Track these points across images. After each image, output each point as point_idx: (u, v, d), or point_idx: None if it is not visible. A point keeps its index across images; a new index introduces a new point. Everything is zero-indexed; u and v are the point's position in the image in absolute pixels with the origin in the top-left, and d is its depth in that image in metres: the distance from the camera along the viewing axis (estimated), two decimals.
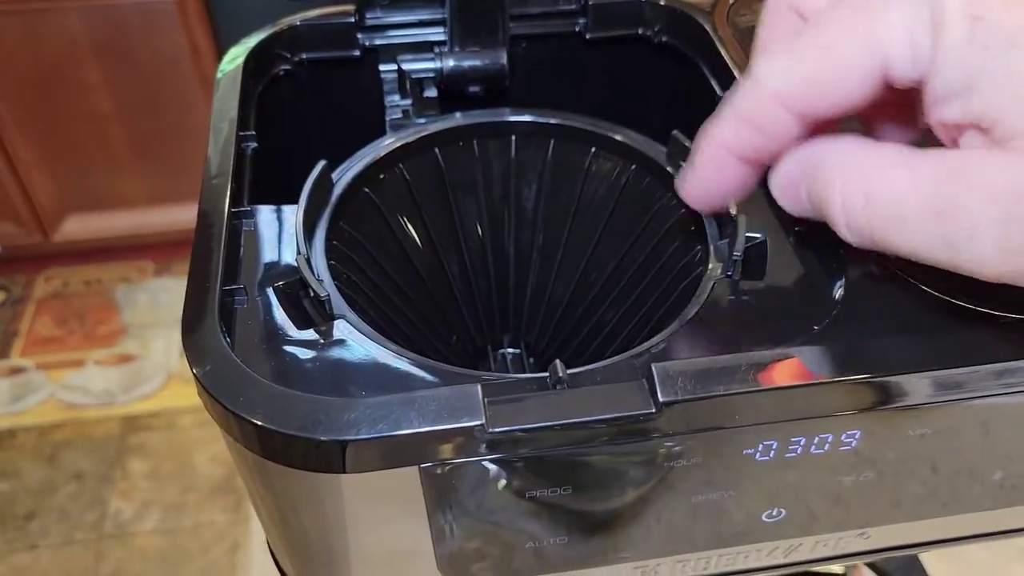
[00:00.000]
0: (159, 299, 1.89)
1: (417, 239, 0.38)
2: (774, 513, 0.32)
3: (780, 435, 0.28)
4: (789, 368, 0.26)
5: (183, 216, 1.86)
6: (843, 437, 0.28)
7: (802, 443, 0.28)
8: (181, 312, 0.30)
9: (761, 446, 0.28)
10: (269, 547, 0.35)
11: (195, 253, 0.30)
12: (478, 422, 0.25)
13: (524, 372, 0.44)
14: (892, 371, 0.27)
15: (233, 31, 1.58)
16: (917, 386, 0.27)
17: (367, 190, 0.36)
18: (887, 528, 0.33)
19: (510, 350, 0.43)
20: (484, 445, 0.26)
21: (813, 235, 0.32)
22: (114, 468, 1.60)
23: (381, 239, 0.37)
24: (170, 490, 1.58)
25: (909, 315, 0.28)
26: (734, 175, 0.28)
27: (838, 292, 0.30)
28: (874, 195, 0.24)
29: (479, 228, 0.40)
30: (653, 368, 0.26)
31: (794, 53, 0.25)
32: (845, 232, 0.26)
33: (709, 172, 0.28)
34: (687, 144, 0.35)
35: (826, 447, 0.29)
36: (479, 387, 0.26)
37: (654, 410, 0.26)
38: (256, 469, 0.27)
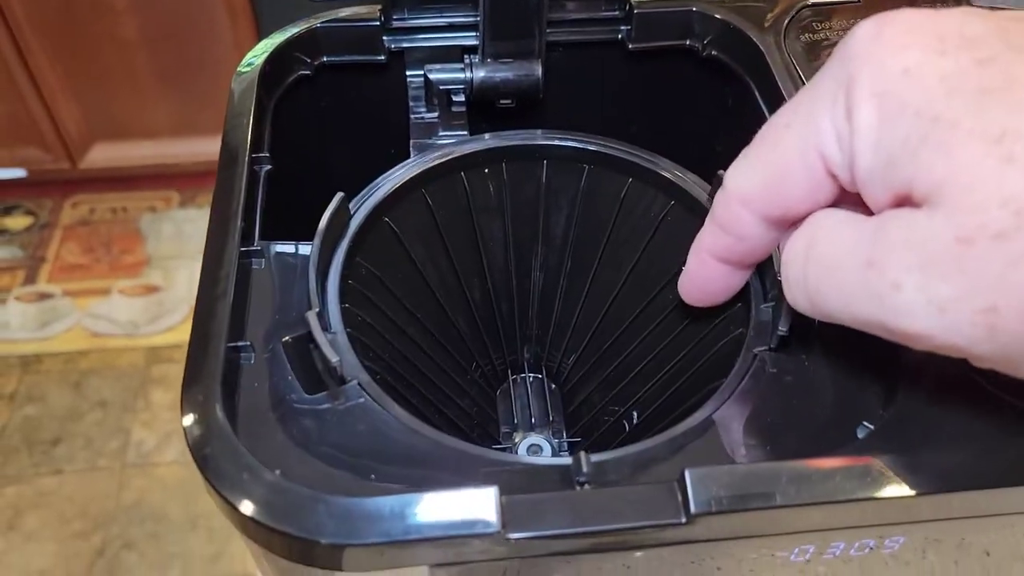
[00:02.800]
0: (183, 230, 1.88)
1: (438, 266, 0.36)
2: None
3: (819, 541, 0.26)
4: (834, 480, 0.24)
5: (208, 147, 1.84)
6: (887, 542, 0.27)
7: (841, 547, 0.26)
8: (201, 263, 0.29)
9: (797, 550, 0.26)
10: None
11: (200, 301, 0.28)
12: (494, 530, 0.23)
13: (545, 398, 0.42)
14: (948, 487, 0.24)
15: None
16: (973, 504, 0.25)
17: (387, 219, 0.34)
18: None
19: (531, 375, 0.41)
20: (499, 549, 0.24)
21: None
22: (137, 398, 1.63)
23: (399, 268, 0.35)
24: None
25: (972, 420, 0.26)
26: (720, 276, 0.29)
27: (892, 383, 0.27)
28: (816, 244, 0.25)
29: (504, 254, 0.38)
30: (687, 475, 0.24)
31: (749, 156, 0.26)
32: (785, 288, 0.26)
33: (699, 275, 0.30)
34: None
35: (867, 551, 0.27)
36: (495, 491, 0.24)
37: (684, 520, 0.24)
38: (259, 552, 0.26)
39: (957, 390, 0.27)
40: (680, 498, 0.24)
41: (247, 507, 0.24)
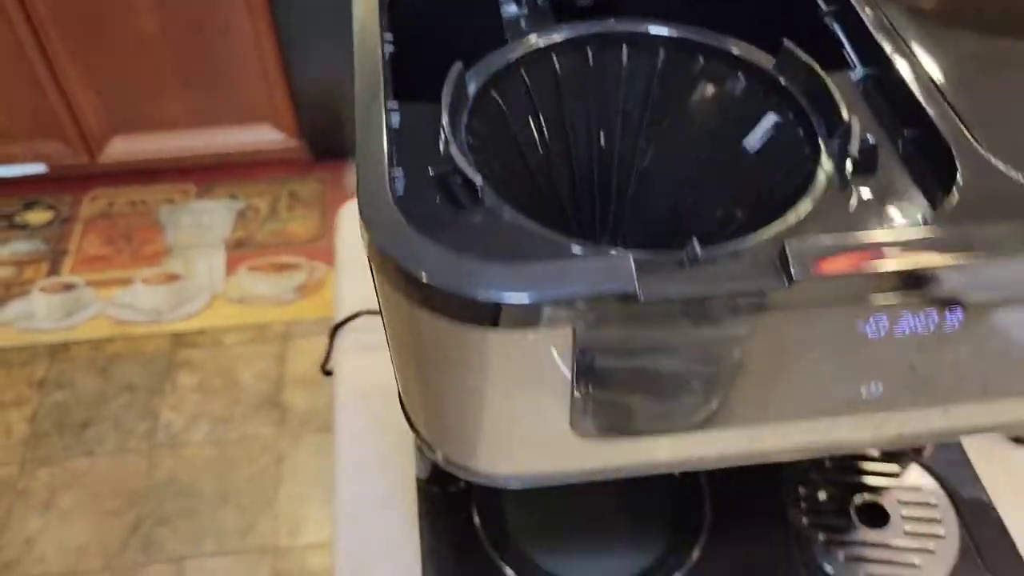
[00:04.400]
0: (201, 220, 1.92)
1: (533, 140, 0.41)
2: (873, 390, 0.35)
3: (892, 313, 0.31)
4: (913, 250, 0.30)
5: (225, 140, 1.88)
6: (947, 317, 0.32)
7: (910, 321, 0.32)
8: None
9: (873, 321, 0.31)
10: (401, 402, 0.39)
11: (361, 140, 0.33)
12: (631, 289, 0.28)
13: None
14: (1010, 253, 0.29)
15: None
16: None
17: (494, 94, 0.39)
18: (971, 407, 0.37)
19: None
20: (633, 312, 0.29)
21: (920, 141, 0.35)
22: (164, 382, 1.67)
23: (503, 139, 0.40)
24: (217, 404, 1.65)
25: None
26: None
27: (948, 192, 0.33)
28: None
29: (588, 131, 0.43)
30: (786, 244, 0.29)
31: None
32: None
33: None
34: (799, 55, 0.38)
35: (931, 327, 0.32)
36: (631, 258, 0.29)
37: (787, 285, 0.29)
38: (416, 324, 0.31)
39: (1006, 188, 0.32)
40: (781, 264, 0.29)
41: (427, 277, 0.28)
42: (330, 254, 1.89)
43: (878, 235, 0.30)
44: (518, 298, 0.28)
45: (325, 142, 1.97)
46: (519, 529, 0.57)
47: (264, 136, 1.90)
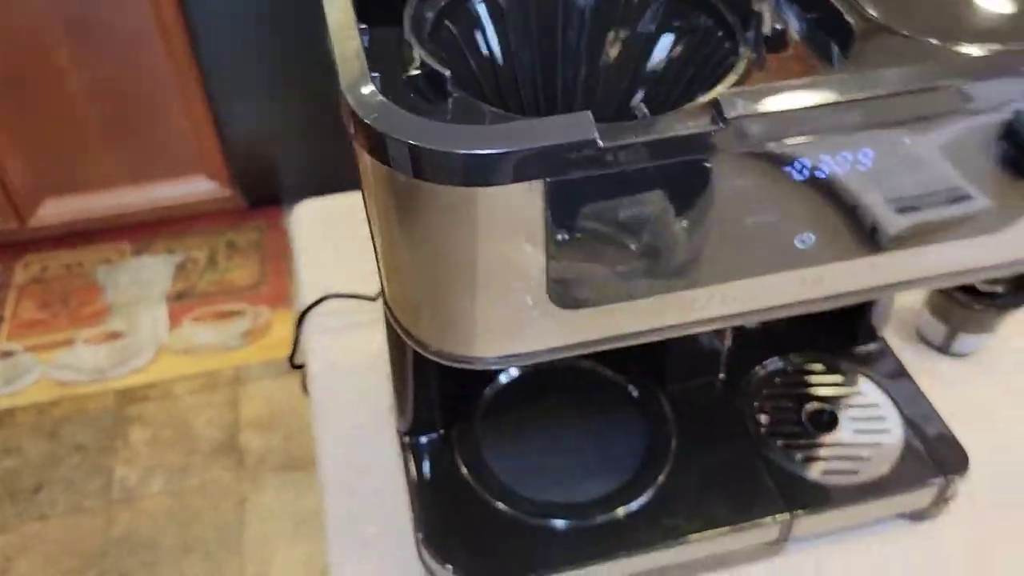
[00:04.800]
0: (140, 277, 1.91)
1: (484, 60, 0.46)
2: (805, 239, 0.40)
3: (811, 154, 0.36)
4: (822, 88, 0.35)
5: (159, 194, 1.89)
6: (859, 156, 0.37)
7: (828, 161, 0.37)
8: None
9: (798, 164, 0.36)
10: (388, 308, 0.42)
11: (339, 55, 0.37)
12: (593, 136, 0.33)
13: None
14: (904, 90, 0.35)
15: (201, 4, 1.62)
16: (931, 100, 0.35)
17: (447, 22, 0.44)
18: (894, 257, 0.42)
19: None
20: (595, 158, 0.33)
21: (824, 22, 0.41)
22: (115, 438, 1.64)
23: (458, 60, 0.44)
24: (172, 454, 1.62)
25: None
26: None
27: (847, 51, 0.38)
28: None
29: (531, 58, 0.47)
30: (719, 96, 0.34)
31: None
32: None
33: None
34: None
35: (846, 166, 0.37)
36: (590, 114, 0.33)
37: (723, 126, 0.34)
38: (405, 198, 0.34)
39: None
40: (717, 111, 0.34)
41: (411, 139, 0.32)
42: (274, 298, 1.90)
43: (793, 83, 0.35)
44: (497, 151, 0.32)
45: (259, 190, 1.99)
46: (499, 465, 0.60)
47: (197, 188, 1.91)
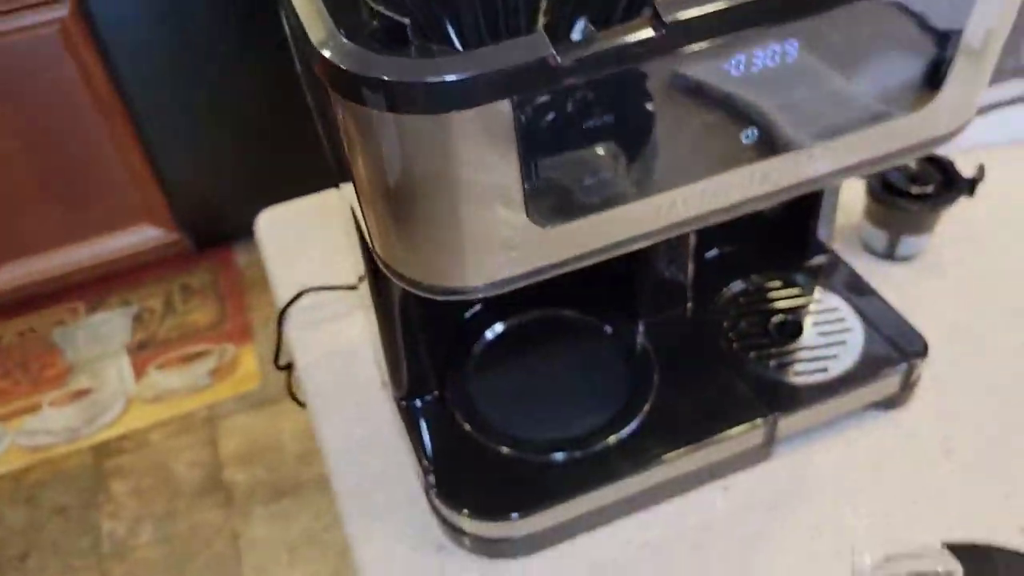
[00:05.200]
0: (99, 333, 1.90)
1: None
2: (749, 134, 0.44)
3: (744, 50, 0.40)
4: None
5: (106, 248, 1.87)
6: (786, 47, 0.41)
7: (760, 56, 0.41)
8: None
9: (734, 60, 0.40)
10: (375, 253, 0.45)
11: (304, 16, 0.40)
12: (549, 53, 0.36)
13: None
14: None
15: (122, 49, 1.62)
16: None
17: None
18: (827, 147, 0.46)
19: None
20: (555, 74, 0.37)
21: None
22: (96, 494, 1.62)
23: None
24: (157, 501, 1.61)
25: None
26: None
27: None
28: None
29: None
30: (656, 4, 0.38)
31: None
32: None
33: None
34: None
35: (776, 59, 0.41)
36: (543, 33, 0.37)
37: (664, 32, 0.38)
38: (383, 134, 0.37)
39: None
40: (655, 15, 0.38)
41: (385, 75, 0.36)
42: (237, 333, 1.90)
43: None
44: (466, 75, 0.35)
45: (206, 230, 1.99)
46: (495, 413, 0.63)
47: (144, 236, 1.91)
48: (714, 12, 0.38)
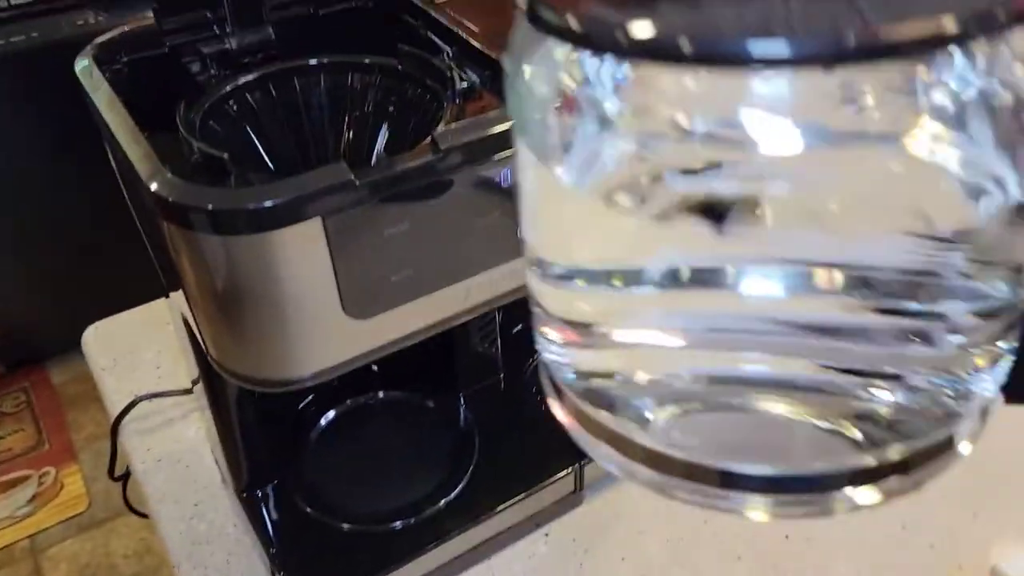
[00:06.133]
0: None
1: (251, 153, 0.56)
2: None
3: (502, 170, 0.50)
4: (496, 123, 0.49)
5: None
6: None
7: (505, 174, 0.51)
8: None
9: (502, 174, 0.50)
10: (205, 349, 0.51)
11: (131, 155, 0.46)
12: (350, 178, 0.44)
13: None
14: None
15: None
16: None
17: (211, 122, 0.54)
18: None
19: None
20: (354, 194, 0.45)
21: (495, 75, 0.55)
22: None
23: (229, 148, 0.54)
24: None
25: None
26: None
27: None
28: None
29: (287, 144, 0.58)
30: (434, 134, 0.47)
31: None
32: None
33: None
34: (411, 50, 0.57)
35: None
36: (344, 163, 0.45)
37: (442, 155, 0.47)
38: (211, 252, 0.44)
39: None
40: (434, 149, 0.47)
41: (210, 205, 0.42)
42: (57, 455, 1.81)
43: (481, 119, 0.49)
44: (283, 200, 0.43)
45: (16, 352, 1.91)
46: (335, 492, 0.68)
47: None
48: (476, 140, 0.48)
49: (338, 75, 0.59)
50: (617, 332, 0.28)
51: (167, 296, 0.60)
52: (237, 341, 0.49)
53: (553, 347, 0.31)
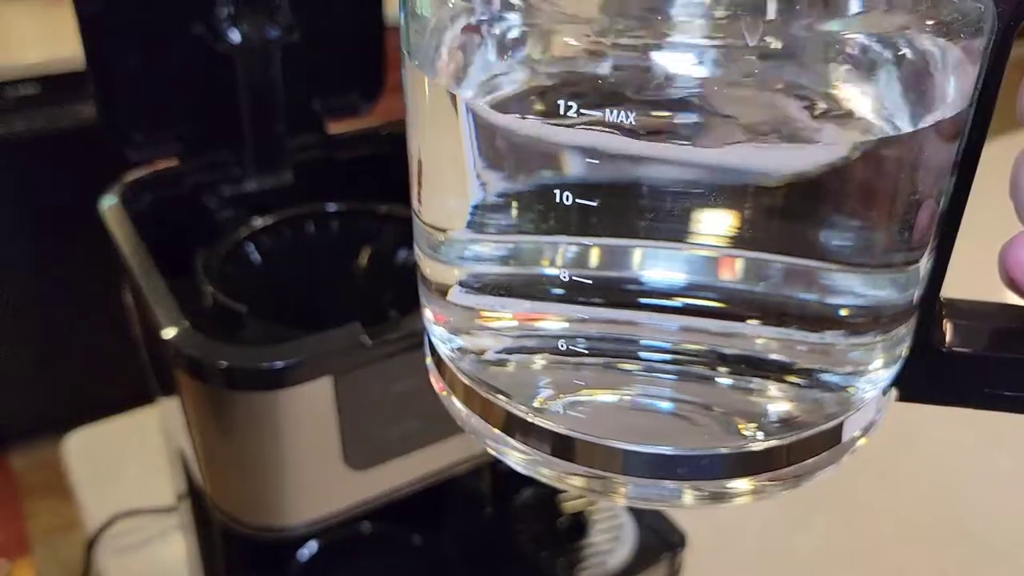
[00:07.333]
0: None
1: (265, 297, 0.57)
2: None
3: None
4: None
5: None
6: None
7: None
8: None
9: None
10: (207, 498, 0.51)
11: (156, 303, 0.47)
12: (362, 340, 0.46)
13: None
14: None
15: None
16: None
17: (228, 266, 0.55)
18: None
19: None
20: (366, 355, 0.46)
21: None
22: None
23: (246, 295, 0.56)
24: None
25: None
26: None
27: None
28: None
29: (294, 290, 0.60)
30: None
31: None
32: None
33: None
34: None
35: None
36: (359, 324, 0.46)
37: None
38: (218, 405, 0.45)
39: None
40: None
41: (227, 361, 0.43)
42: (11, 546, 1.74)
43: None
44: (295, 360, 0.44)
45: None
46: None
47: None
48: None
49: (353, 221, 0.61)
50: (504, 312, 0.24)
51: (151, 400, 0.61)
52: (236, 488, 0.49)
53: (437, 329, 0.27)
